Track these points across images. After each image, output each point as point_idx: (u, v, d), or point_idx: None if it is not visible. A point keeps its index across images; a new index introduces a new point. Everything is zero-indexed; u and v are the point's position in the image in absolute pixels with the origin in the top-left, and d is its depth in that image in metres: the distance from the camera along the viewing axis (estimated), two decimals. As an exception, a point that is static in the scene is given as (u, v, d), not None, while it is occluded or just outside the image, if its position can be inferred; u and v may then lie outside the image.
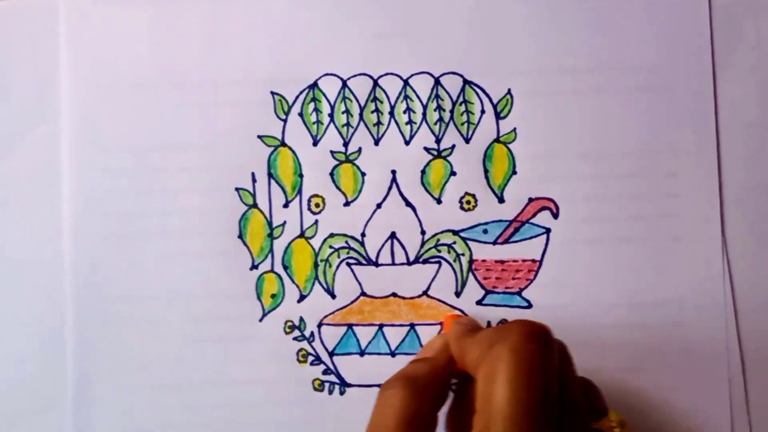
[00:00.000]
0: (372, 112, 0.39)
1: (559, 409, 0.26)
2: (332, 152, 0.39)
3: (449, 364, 0.31)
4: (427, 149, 0.38)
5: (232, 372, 0.38)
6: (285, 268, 0.38)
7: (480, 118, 0.38)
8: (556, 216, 0.38)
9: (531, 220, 0.38)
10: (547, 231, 0.38)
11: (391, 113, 0.39)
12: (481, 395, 0.26)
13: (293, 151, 0.39)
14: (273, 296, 0.38)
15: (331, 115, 0.39)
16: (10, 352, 0.38)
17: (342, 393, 0.38)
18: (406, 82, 0.38)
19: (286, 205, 0.39)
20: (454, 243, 0.38)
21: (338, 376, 0.38)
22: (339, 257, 0.38)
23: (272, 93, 0.39)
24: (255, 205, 0.38)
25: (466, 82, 0.38)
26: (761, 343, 0.37)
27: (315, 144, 0.39)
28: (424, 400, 0.29)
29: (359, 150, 0.39)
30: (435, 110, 0.38)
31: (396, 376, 0.30)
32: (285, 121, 0.39)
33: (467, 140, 0.38)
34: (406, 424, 0.28)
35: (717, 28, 0.38)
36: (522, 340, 0.27)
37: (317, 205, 0.39)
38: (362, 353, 0.38)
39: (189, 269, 0.38)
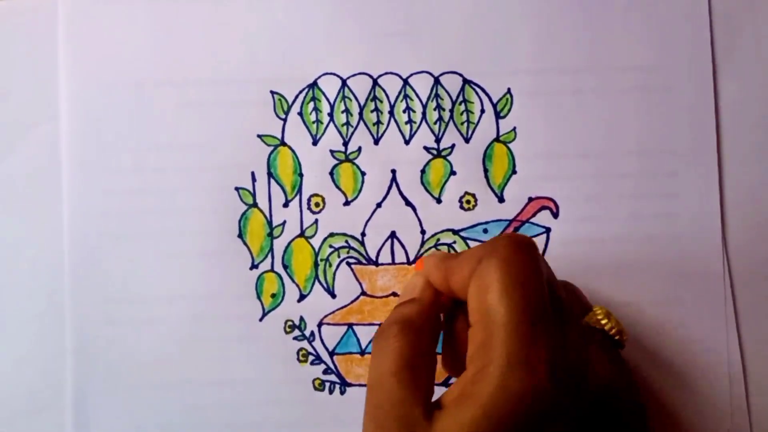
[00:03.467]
0: (372, 111, 0.39)
1: (552, 311, 0.27)
2: (332, 151, 0.39)
3: (436, 299, 0.31)
4: (426, 149, 0.38)
5: (233, 372, 0.38)
6: (285, 267, 0.38)
7: (480, 117, 0.38)
8: (556, 215, 0.38)
9: (531, 220, 0.38)
10: (547, 230, 0.38)
11: (391, 113, 0.39)
12: (477, 309, 0.27)
13: (293, 151, 0.39)
14: (273, 296, 0.38)
15: (330, 115, 0.39)
16: (10, 351, 0.38)
17: (342, 392, 0.38)
18: (405, 82, 0.38)
19: (286, 205, 0.39)
20: (454, 242, 0.38)
21: (338, 375, 0.38)
22: (339, 257, 0.38)
23: (272, 92, 0.39)
24: (255, 205, 0.38)
25: (465, 81, 0.38)
26: (761, 343, 0.37)
27: (315, 143, 0.39)
28: (421, 339, 0.29)
29: (359, 149, 0.39)
30: (435, 110, 0.38)
31: (388, 322, 0.29)
32: (285, 120, 0.39)
33: (467, 140, 0.38)
34: (409, 368, 0.27)
35: (717, 28, 0.38)
36: (511, 251, 0.27)
37: (317, 205, 0.39)
38: (362, 353, 0.38)
39: (189, 269, 0.38)
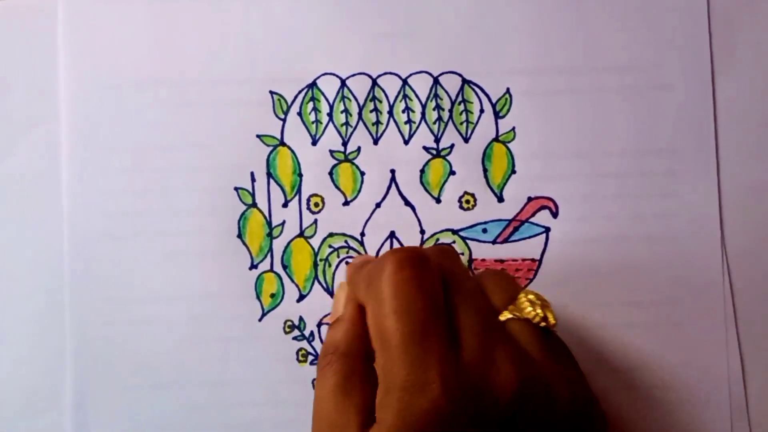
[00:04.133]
0: (371, 111, 0.39)
1: (452, 318, 0.27)
2: (331, 152, 0.39)
3: (359, 315, 0.30)
4: (426, 148, 0.38)
5: (232, 372, 0.38)
6: (284, 267, 0.38)
7: (479, 117, 0.38)
8: (555, 215, 0.38)
9: (530, 220, 0.38)
10: (547, 230, 0.38)
11: (390, 113, 0.39)
12: (374, 333, 0.27)
13: (292, 151, 0.39)
14: (272, 296, 0.38)
15: (330, 115, 0.39)
16: (10, 352, 0.38)
17: (341, 392, 0.38)
18: (405, 82, 0.39)
19: (285, 205, 0.39)
20: (454, 242, 0.38)
21: (337, 375, 0.38)
22: (338, 257, 0.38)
23: (271, 92, 0.39)
24: (254, 205, 0.39)
25: (464, 81, 0.38)
26: (761, 343, 0.37)
27: (314, 143, 0.39)
28: (351, 362, 0.28)
29: (358, 149, 0.39)
30: (434, 109, 0.38)
31: (322, 350, 0.30)
32: (284, 120, 0.39)
33: (466, 139, 0.38)
34: (341, 393, 0.28)
35: (716, 28, 0.38)
36: (395, 269, 0.27)
37: (316, 205, 0.39)
38: (362, 352, 0.38)
39: (188, 269, 0.38)
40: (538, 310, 0.30)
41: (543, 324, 0.30)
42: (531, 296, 0.31)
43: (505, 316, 0.30)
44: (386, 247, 0.38)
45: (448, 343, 0.26)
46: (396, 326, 0.26)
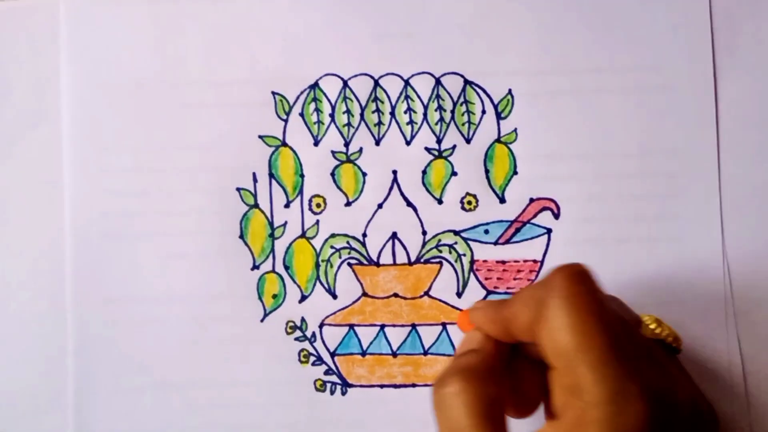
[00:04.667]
0: (373, 112, 0.39)
1: (626, 336, 0.26)
2: (333, 152, 0.39)
3: (498, 348, 0.30)
4: (428, 149, 0.38)
5: (234, 373, 0.38)
6: (286, 268, 0.38)
7: (481, 118, 0.38)
8: (557, 216, 0.38)
9: (532, 221, 0.38)
10: (549, 231, 0.38)
11: (392, 113, 0.39)
12: (557, 354, 0.26)
13: (294, 151, 0.39)
14: (274, 296, 0.38)
15: (332, 115, 0.39)
16: (11, 353, 0.38)
17: (344, 393, 0.38)
18: (406, 82, 0.38)
19: (287, 206, 0.39)
20: (456, 243, 0.38)
21: (340, 376, 0.38)
22: (340, 257, 0.38)
23: (273, 93, 0.39)
24: (256, 206, 0.38)
25: (466, 82, 0.38)
26: (761, 343, 0.37)
27: (316, 144, 0.39)
28: (489, 388, 0.27)
29: (360, 150, 0.39)
30: (436, 110, 0.38)
31: (449, 372, 0.28)
32: (286, 121, 0.39)
33: (468, 140, 0.38)
34: (485, 418, 0.26)
35: (717, 28, 0.38)
36: (571, 286, 0.26)
37: (318, 206, 0.39)
38: (364, 353, 0.38)
39: (190, 269, 0.38)
40: (668, 330, 0.31)
41: (675, 344, 0.31)
42: (653, 318, 0.31)
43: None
44: (388, 248, 0.38)
45: (638, 355, 0.26)
46: (588, 343, 0.25)
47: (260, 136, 0.39)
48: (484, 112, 0.38)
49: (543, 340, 0.27)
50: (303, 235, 0.39)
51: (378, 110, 0.39)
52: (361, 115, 0.39)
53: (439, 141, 0.38)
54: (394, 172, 0.38)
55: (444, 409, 0.27)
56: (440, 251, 0.38)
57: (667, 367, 0.28)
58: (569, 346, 0.26)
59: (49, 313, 0.38)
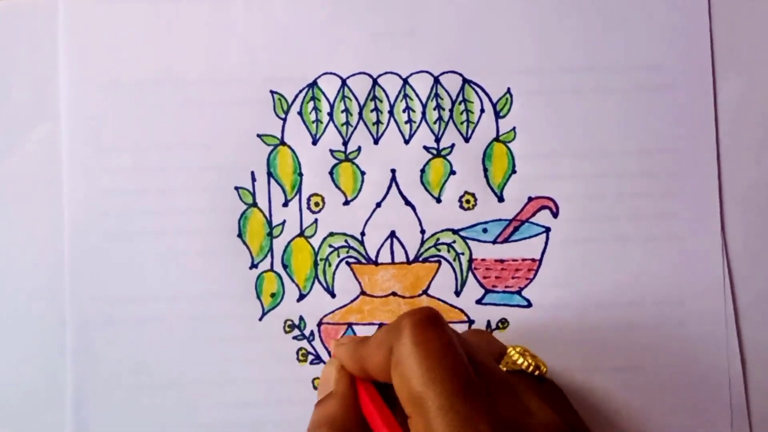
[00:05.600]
0: (371, 111, 0.39)
1: (476, 376, 0.27)
2: (332, 151, 0.39)
3: (353, 387, 0.31)
4: (426, 148, 0.38)
5: (232, 371, 0.38)
6: (285, 267, 0.38)
7: (479, 117, 0.38)
8: (555, 215, 0.38)
9: (531, 219, 0.38)
10: (547, 230, 0.38)
11: (391, 112, 0.39)
12: (408, 400, 0.26)
13: (293, 150, 0.39)
14: (273, 295, 0.38)
15: (330, 114, 0.39)
16: (10, 351, 0.38)
17: (342, 392, 0.38)
18: (405, 81, 0.39)
19: (285, 204, 0.39)
20: (454, 242, 0.38)
21: (338, 375, 0.38)
22: (339, 256, 0.38)
23: (272, 92, 0.39)
24: (254, 204, 0.39)
25: (465, 81, 0.38)
26: (761, 343, 0.37)
27: (314, 143, 0.39)
28: None
29: (359, 149, 0.39)
30: (434, 109, 0.38)
31: (314, 425, 0.29)
32: (284, 120, 0.39)
33: (467, 139, 0.38)
34: None
35: (717, 28, 0.38)
36: (418, 331, 0.27)
37: (317, 204, 0.39)
38: (362, 352, 0.38)
39: (188, 268, 0.38)
40: (530, 360, 0.31)
41: (537, 372, 0.31)
42: (518, 348, 0.32)
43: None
44: (386, 247, 0.38)
45: (488, 395, 0.26)
46: (435, 387, 0.26)
47: (259, 135, 0.39)
48: (482, 110, 0.38)
49: (396, 386, 0.27)
50: (301, 234, 0.39)
51: (376, 109, 0.39)
52: (360, 114, 0.39)
53: (437, 140, 0.38)
54: (393, 171, 0.38)
55: None
56: (439, 250, 0.38)
57: (526, 397, 0.29)
58: (418, 391, 0.26)
59: (48, 311, 0.38)
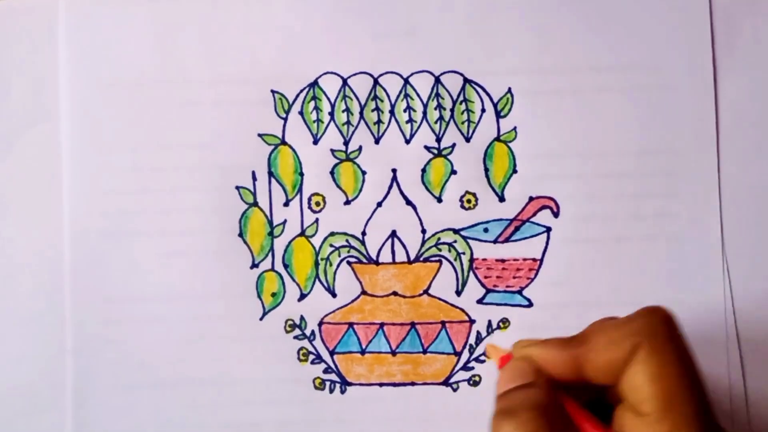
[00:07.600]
0: (372, 110, 0.39)
1: None
2: (333, 151, 0.39)
3: (552, 383, 0.29)
4: (427, 148, 0.38)
5: (233, 371, 0.38)
6: (285, 266, 0.38)
7: (480, 116, 0.38)
8: (556, 215, 0.38)
9: (531, 219, 0.38)
10: (548, 230, 0.38)
11: (392, 112, 0.39)
12: (656, 398, 0.26)
13: (294, 150, 0.39)
14: (273, 295, 0.38)
15: (331, 114, 0.39)
16: (10, 351, 0.38)
17: (343, 392, 0.38)
18: (406, 81, 0.39)
19: (286, 204, 0.39)
20: (455, 242, 0.38)
21: (339, 374, 0.38)
22: (339, 256, 0.38)
23: (272, 91, 0.39)
24: (255, 204, 0.38)
25: (466, 80, 0.38)
26: (760, 343, 0.37)
27: (315, 142, 0.39)
28: (555, 424, 0.27)
29: (360, 148, 0.39)
30: (435, 109, 0.38)
31: (516, 406, 0.28)
32: (285, 119, 0.39)
33: (468, 139, 0.38)
34: None
35: (717, 28, 0.38)
36: (669, 332, 0.27)
37: (318, 204, 0.39)
38: (363, 352, 0.38)
39: (189, 268, 0.38)
40: None
41: None
42: None
43: None
44: (387, 247, 0.38)
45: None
46: (696, 390, 0.26)
47: (259, 135, 0.39)
48: (483, 110, 0.38)
49: (640, 383, 0.27)
50: (302, 234, 0.39)
51: (377, 109, 0.39)
52: (361, 113, 0.39)
53: (438, 139, 0.38)
54: (394, 171, 0.38)
55: None
56: (439, 250, 0.38)
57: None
58: (676, 393, 0.26)
59: (47, 311, 0.38)
